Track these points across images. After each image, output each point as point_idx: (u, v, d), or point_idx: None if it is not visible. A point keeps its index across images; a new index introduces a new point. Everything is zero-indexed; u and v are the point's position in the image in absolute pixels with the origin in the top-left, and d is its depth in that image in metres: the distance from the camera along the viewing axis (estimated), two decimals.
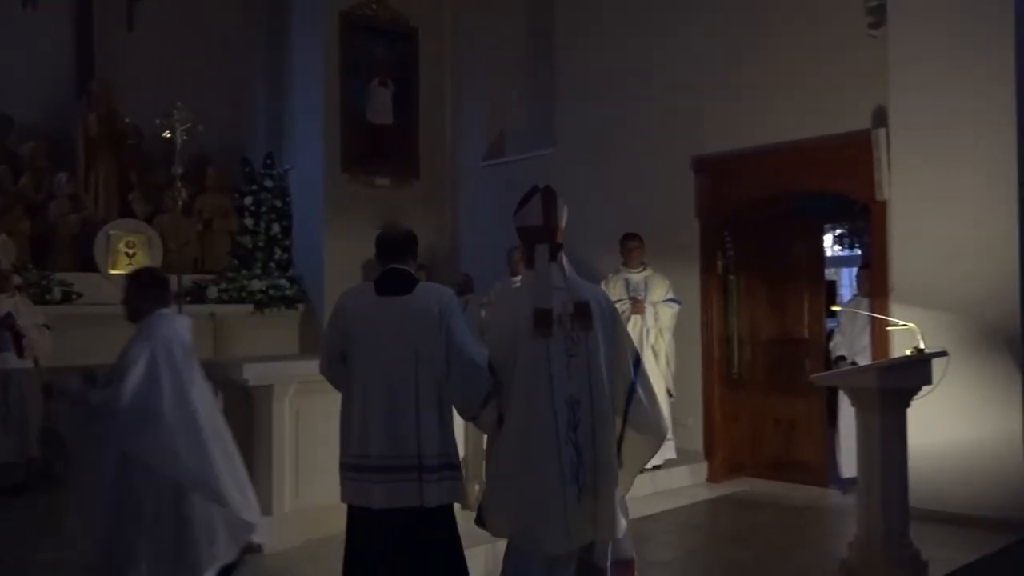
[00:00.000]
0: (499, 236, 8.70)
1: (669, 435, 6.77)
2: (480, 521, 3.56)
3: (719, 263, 7.54)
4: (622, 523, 3.48)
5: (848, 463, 6.32)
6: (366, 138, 9.56)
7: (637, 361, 3.60)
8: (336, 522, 5.05)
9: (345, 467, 3.53)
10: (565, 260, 3.60)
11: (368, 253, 9.36)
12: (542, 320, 3.42)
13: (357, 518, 3.54)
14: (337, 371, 3.63)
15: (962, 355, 5.38)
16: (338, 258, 9.26)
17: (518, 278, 7.62)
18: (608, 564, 3.50)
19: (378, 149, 9.64)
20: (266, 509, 5.11)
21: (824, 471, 7.07)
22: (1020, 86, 5.63)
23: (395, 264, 3.65)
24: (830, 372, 5.61)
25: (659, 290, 6.99)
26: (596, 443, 3.42)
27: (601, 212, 8.08)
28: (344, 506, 3.61)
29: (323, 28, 9.35)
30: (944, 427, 5.66)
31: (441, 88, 10.15)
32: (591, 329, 3.47)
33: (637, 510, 6.14)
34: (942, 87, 5.88)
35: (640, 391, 3.55)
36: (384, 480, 3.41)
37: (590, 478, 3.40)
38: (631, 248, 7.04)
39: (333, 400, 5.17)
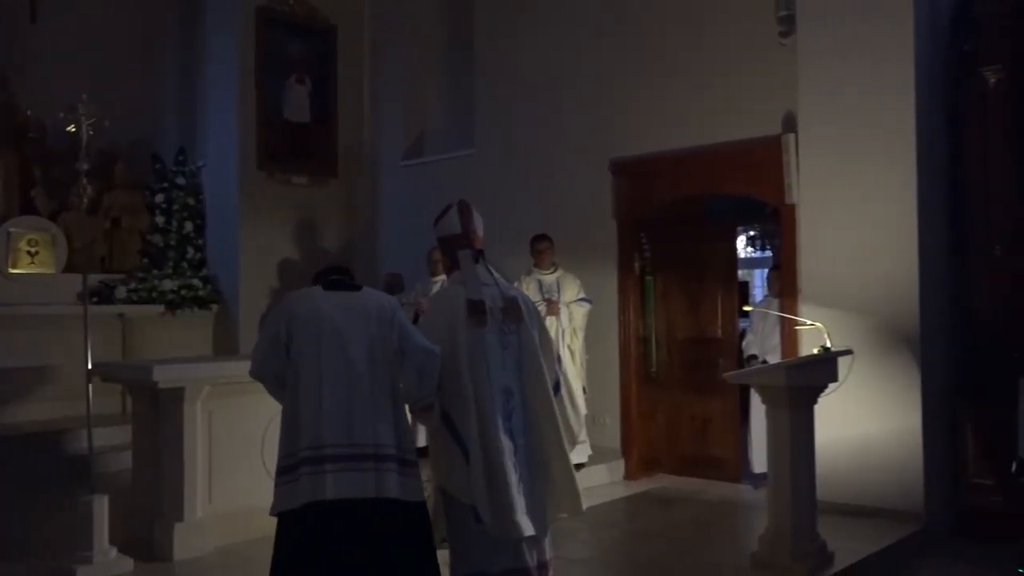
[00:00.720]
0: (419, 236, 8.66)
1: (583, 437, 6.90)
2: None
3: (636, 264, 7.66)
4: (560, 510, 3.55)
5: (759, 459, 6.50)
6: (283, 136, 9.38)
7: (558, 357, 3.63)
8: (252, 527, 4.99)
9: (289, 468, 3.24)
10: (488, 265, 3.72)
11: (285, 252, 9.34)
12: (476, 309, 3.51)
13: (298, 521, 3.19)
14: (279, 370, 3.41)
15: (866, 353, 5.60)
16: (254, 258, 9.06)
17: (438, 279, 7.61)
18: (534, 564, 3.46)
19: (295, 147, 9.47)
20: (177, 515, 5.00)
21: (737, 467, 7.26)
22: (919, 96, 5.87)
23: (336, 273, 3.67)
24: (742, 371, 5.75)
25: (571, 290, 7.08)
26: (531, 432, 3.51)
27: (520, 213, 8.12)
28: (261, 510, 3.42)
29: (238, 23, 9.13)
30: (850, 423, 5.86)
31: (360, 86, 10.04)
32: (522, 321, 3.57)
33: None
34: (848, 95, 6.08)
35: (561, 390, 3.71)
36: (339, 469, 3.21)
37: (524, 469, 3.45)
38: (542, 249, 7.11)
39: (248, 403, 5.09)
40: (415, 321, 7.35)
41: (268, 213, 9.14)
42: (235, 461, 5.24)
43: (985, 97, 5.93)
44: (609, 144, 7.70)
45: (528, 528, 3.38)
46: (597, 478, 7.12)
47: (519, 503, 3.38)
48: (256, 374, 3.46)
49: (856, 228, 6.04)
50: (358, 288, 3.58)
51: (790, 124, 6.53)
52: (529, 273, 7.13)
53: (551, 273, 7.09)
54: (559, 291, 7.00)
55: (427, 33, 9.81)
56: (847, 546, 5.09)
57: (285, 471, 3.25)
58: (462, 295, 3.56)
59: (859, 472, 5.88)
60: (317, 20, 9.68)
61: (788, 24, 6.52)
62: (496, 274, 3.70)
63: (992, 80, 5.89)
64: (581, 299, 7.08)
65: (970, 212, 6.06)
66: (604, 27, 7.81)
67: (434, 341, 3.49)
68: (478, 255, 3.68)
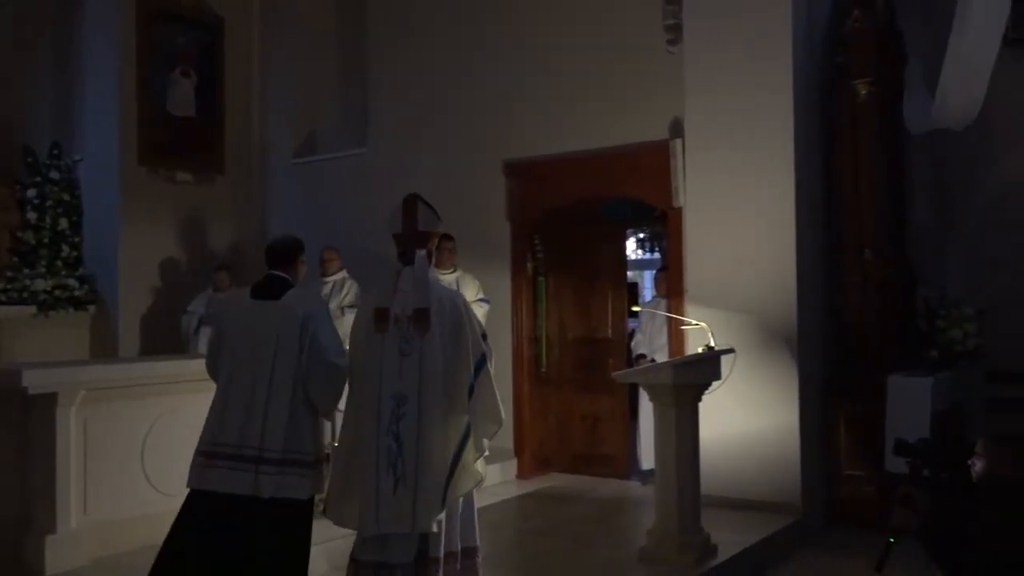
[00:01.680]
0: (310, 236, 8.50)
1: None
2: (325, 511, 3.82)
3: (529, 265, 7.73)
4: (441, 516, 3.69)
5: (648, 456, 6.66)
6: (166, 130, 9.04)
7: (482, 360, 3.86)
8: (130, 537, 4.79)
9: (196, 453, 3.73)
10: (422, 265, 3.89)
11: (168, 251, 9.01)
12: (379, 317, 3.78)
13: (196, 504, 3.66)
14: (215, 368, 3.89)
15: (747, 352, 5.80)
16: (134, 256, 8.71)
17: (329, 279, 7.48)
18: (441, 554, 3.74)
19: (180, 142, 9.14)
20: (48, 527, 4.75)
21: (626, 464, 7.41)
22: (797, 106, 6.13)
23: (276, 271, 3.97)
24: (630, 370, 5.88)
25: (470, 291, 7.08)
26: (420, 439, 3.66)
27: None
28: (142, 520, 3.76)
29: (119, 12, 8.76)
30: (732, 419, 6.05)
31: (248, 82, 9.77)
32: (427, 332, 3.74)
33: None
34: (731, 103, 6.29)
35: (478, 388, 3.82)
36: (224, 466, 3.62)
37: (409, 470, 3.63)
38: (444, 249, 7.09)
39: (128, 408, 4.89)
40: None
41: (151, 210, 8.81)
42: (113, 469, 5.01)
43: (856, 108, 6.24)
44: (502, 146, 7.74)
45: (390, 526, 3.60)
46: (490, 478, 7.09)
47: (384, 502, 3.60)
48: (207, 370, 3.95)
49: (739, 231, 6.25)
50: (279, 296, 3.84)
51: (677, 130, 6.71)
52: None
53: (451, 273, 7.08)
54: (459, 291, 7.00)
55: (319, 29, 9.64)
56: (730, 538, 5.26)
57: (195, 454, 3.73)
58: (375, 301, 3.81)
59: (741, 467, 6.08)
60: (203, 12, 9.38)
61: (675, 32, 6.70)
62: (420, 278, 3.85)
63: (863, 92, 6.21)
64: (480, 300, 7.09)
65: (843, 217, 6.36)
66: (497, 29, 7.86)
67: (356, 340, 3.82)
68: (411, 256, 3.88)
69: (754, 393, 6.03)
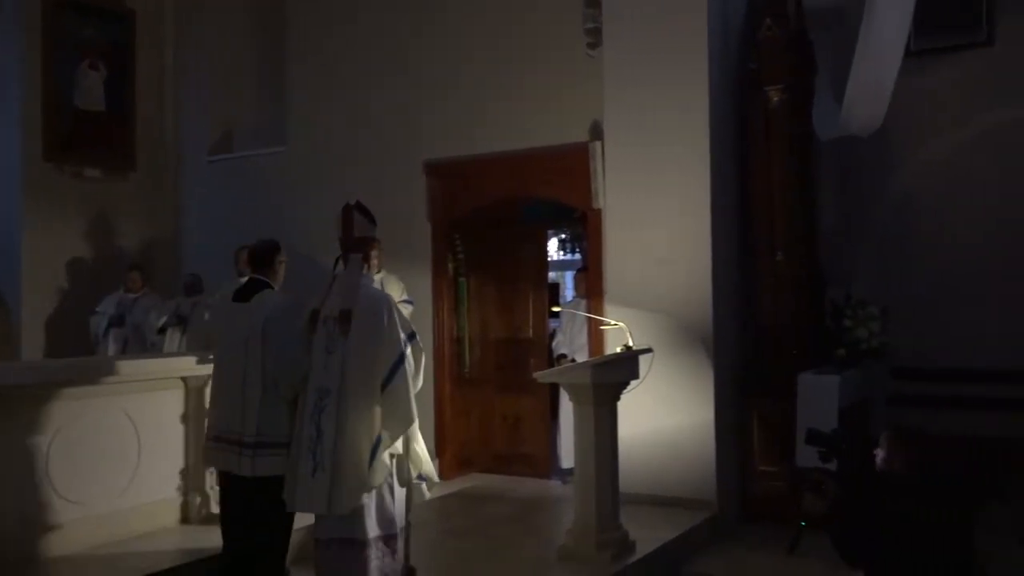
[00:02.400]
0: (226, 235, 8.33)
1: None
2: None
3: (450, 265, 7.72)
4: (359, 500, 3.99)
5: (568, 455, 6.73)
6: (74, 125, 8.72)
7: (399, 360, 4.12)
8: (31, 547, 4.59)
9: (205, 437, 4.49)
10: (352, 269, 4.25)
11: (76, 250, 8.68)
12: (310, 318, 4.20)
13: (222, 479, 4.42)
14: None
15: (665, 352, 5.91)
16: (39, 256, 8.36)
17: (246, 279, 7.33)
18: (368, 537, 4.05)
19: (88, 137, 8.82)
20: None
21: (547, 464, 7.47)
22: (713, 110, 6.27)
23: (257, 274, 4.49)
24: (551, 370, 5.93)
25: (394, 291, 7.03)
26: (339, 429, 4.00)
27: (334, 212, 7.95)
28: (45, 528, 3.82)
29: (21, 1, 8.40)
30: (649, 418, 6.15)
31: (161, 76, 9.49)
32: (348, 333, 4.09)
33: None
34: (649, 107, 6.39)
35: (390, 387, 4.06)
36: (219, 448, 4.30)
37: (327, 458, 3.99)
38: (370, 249, 7.02)
39: (29, 413, 4.73)
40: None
41: (56, 207, 8.49)
42: (13, 476, 4.80)
43: (769, 114, 6.42)
44: (423, 146, 7.71)
45: (303, 506, 4.05)
46: None
47: (303, 484, 4.02)
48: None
49: (656, 233, 6.35)
50: (248, 299, 4.36)
51: (597, 132, 6.79)
52: None
53: (376, 274, 7.02)
54: (387, 294, 6.95)
55: (235, 23, 9.45)
56: (647, 535, 5.35)
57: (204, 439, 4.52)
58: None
59: (658, 464, 6.18)
60: (113, 3, 9.07)
61: (595, 36, 6.78)
62: (350, 281, 4.22)
63: (775, 98, 6.38)
64: (404, 300, 7.06)
65: (757, 220, 6.53)
66: (419, 29, 7.82)
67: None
68: (345, 259, 4.28)
69: (671, 392, 6.14)
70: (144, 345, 7.74)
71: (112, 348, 7.76)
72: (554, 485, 7.22)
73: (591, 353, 6.79)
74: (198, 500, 5.43)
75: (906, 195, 7.81)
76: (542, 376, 5.44)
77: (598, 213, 6.80)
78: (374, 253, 5.06)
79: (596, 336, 6.73)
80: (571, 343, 7.22)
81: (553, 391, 7.36)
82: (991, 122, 7.51)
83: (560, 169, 7.01)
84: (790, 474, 6.06)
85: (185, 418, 5.47)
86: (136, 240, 9.23)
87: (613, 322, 5.63)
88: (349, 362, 4.06)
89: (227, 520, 4.35)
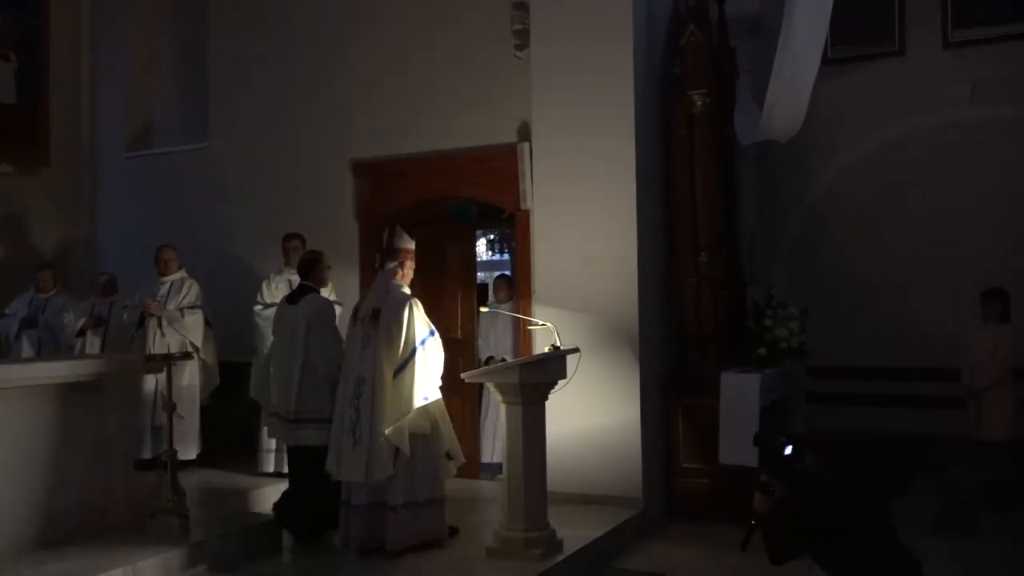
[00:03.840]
0: (144, 234, 8.11)
1: None
2: None
3: (377, 265, 7.64)
4: (390, 471, 4.91)
5: (488, 448, 6.77)
6: None
7: (412, 354, 4.96)
8: None
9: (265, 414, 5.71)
10: (384, 274, 5.25)
11: None
12: (353, 316, 5.23)
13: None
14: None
15: (592, 351, 5.94)
16: None
17: (168, 278, 7.16)
18: (399, 503, 4.96)
19: None
20: None
21: (476, 464, 7.44)
22: (638, 113, 6.36)
23: (304, 281, 5.72)
24: (479, 369, 5.93)
25: (323, 291, 6.97)
26: (373, 411, 4.92)
27: (262, 211, 7.88)
28: None
29: None
30: (577, 417, 6.19)
31: (76, 67, 9.17)
32: (378, 327, 5.00)
33: None
34: (576, 109, 6.45)
35: (399, 378, 4.93)
36: (275, 422, 5.51)
37: (364, 435, 4.94)
38: (295, 248, 6.94)
39: None
40: (141, 323, 6.92)
41: None
42: None
43: (693, 118, 6.53)
44: (351, 145, 7.64)
45: (347, 475, 5.02)
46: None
47: (344, 456, 5.01)
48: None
49: (583, 234, 6.42)
50: (297, 301, 5.54)
51: (525, 133, 6.83)
52: (280, 272, 6.93)
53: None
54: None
55: (155, 12, 9.21)
56: (575, 533, 5.40)
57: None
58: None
59: (586, 462, 6.25)
60: None
61: (523, 37, 6.82)
62: (382, 285, 5.21)
63: (699, 103, 6.51)
64: (332, 301, 6.99)
65: (680, 221, 6.65)
66: (347, 27, 7.74)
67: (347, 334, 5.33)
68: (381, 266, 5.44)
69: (598, 391, 6.20)
70: (57, 347, 7.45)
71: (26, 351, 7.45)
72: (482, 485, 7.21)
73: (518, 353, 6.82)
74: (117, 506, 5.27)
75: (822, 198, 8.09)
76: (470, 376, 5.43)
77: (526, 214, 6.83)
78: (408, 263, 5.35)
79: (523, 336, 6.77)
80: (496, 344, 7.24)
81: (480, 391, 7.38)
82: (903, 128, 7.84)
83: (488, 170, 7.02)
84: (713, 472, 6.20)
85: (104, 421, 5.28)
86: (49, 239, 8.90)
87: (541, 322, 5.67)
88: (379, 354, 4.95)
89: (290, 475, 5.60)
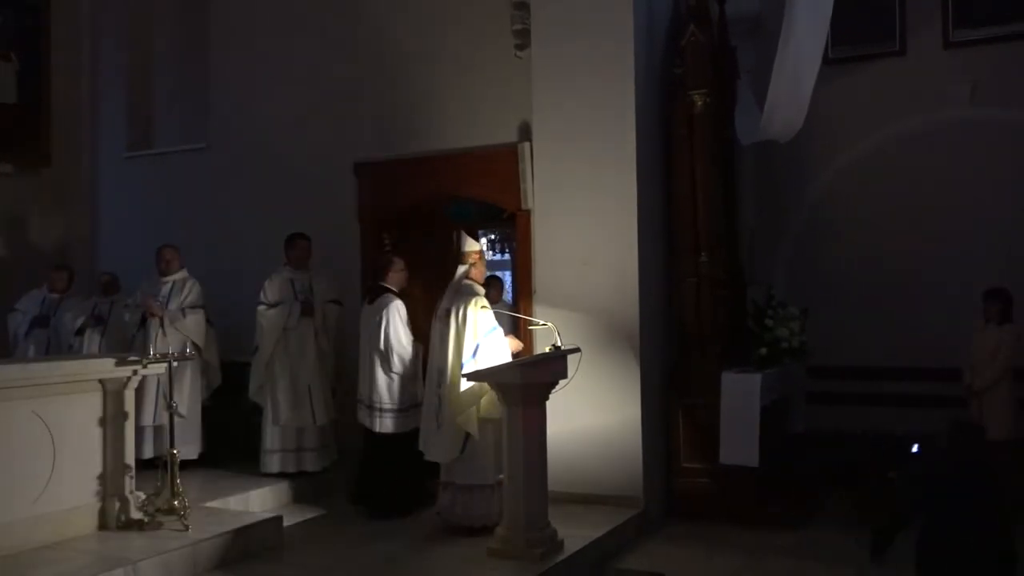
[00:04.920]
0: (144, 233, 8.11)
1: (329, 440, 6.88)
2: None
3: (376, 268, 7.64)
4: (454, 453, 5.48)
5: None
6: None
7: (476, 348, 5.42)
8: None
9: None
10: (458, 276, 5.69)
11: None
12: (435, 314, 5.71)
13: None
14: None
15: (593, 351, 5.96)
16: None
17: (169, 278, 7.16)
18: (464, 483, 5.50)
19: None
20: None
21: None
22: (639, 113, 6.36)
23: (380, 281, 6.31)
24: (480, 370, 5.92)
25: (325, 291, 6.99)
26: (450, 400, 5.45)
27: (260, 210, 7.88)
28: None
29: None
30: (577, 417, 6.19)
31: (77, 67, 9.17)
32: (450, 326, 5.50)
33: (299, 516, 6.07)
34: (577, 109, 6.44)
35: (463, 369, 5.35)
36: (362, 409, 6.15)
37: (445, 420, 5.49)
38: (300, 248, 6.95)
39: None
40: (142, 323, 6.92)
41: None
42: None
43: (693, 118, 6.52)
44: (353, 146, 7.64)
45: (432, 456, 5.64)
46: (341, 480, 7.04)
47: (430, 439, 5.62)
48: None
49: (584, 234, 6.42)
50: (373, 301, 6.21)
51: (526, 133, 6.83)
52: (280, 271, 6.94)
53: (303, 273, 6.95)
54: (312, 291, 6.89)
55: (155, 13, 9.20)
56: (576, 532, 5.41)
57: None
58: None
59: (586, 462, 6.25)
60: None
61: (523, 38, 6.82)
62: (456, 286, 5.66)
63: (699, 103, 6.51)
64: (332, 301, 7.00)
65: (680, 222, 6.65)
66: (348, 29, 7.74)
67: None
68: (457, 268, 5.71)
69: (599, 391, 6.20)
70: (63, 347, 7.44)
71: (32, 351, 7.43)
72: None
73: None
74: (116, 506, 5.27)
75: (823, 198, 8.08)
76: (472, 375, 5.44)
77: (527, 214, 6.83)
78: (479, 263, 5.74)
79: (524, 336, 6.76)
80: None
81: None
82: (903, 128, 7.83)
83: (489, 170, 7.02)
84: (713, 472, 6.20)
85: (103, 422, 5.29)
86: (49, 238, 8.91)
87: (542, 322, 5.67)
88: (451, 348, 5.47)
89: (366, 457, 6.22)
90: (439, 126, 7.24)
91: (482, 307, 5.56)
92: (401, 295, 6.28)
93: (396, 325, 6.03)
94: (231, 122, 8.33)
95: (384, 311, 6.04)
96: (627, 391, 6.26)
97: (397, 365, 6.03)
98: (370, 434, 6.14)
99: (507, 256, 14.63)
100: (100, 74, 9.25)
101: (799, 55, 5.95)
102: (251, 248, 7.83)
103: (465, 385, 5.38)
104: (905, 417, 7.29)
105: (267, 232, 7.46)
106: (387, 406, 6.04)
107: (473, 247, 5.78)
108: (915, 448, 3.50)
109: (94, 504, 5.22)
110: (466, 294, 5.58)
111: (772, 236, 8.01)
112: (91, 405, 5.23)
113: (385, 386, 6.05)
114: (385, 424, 6.05)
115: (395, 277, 6.28)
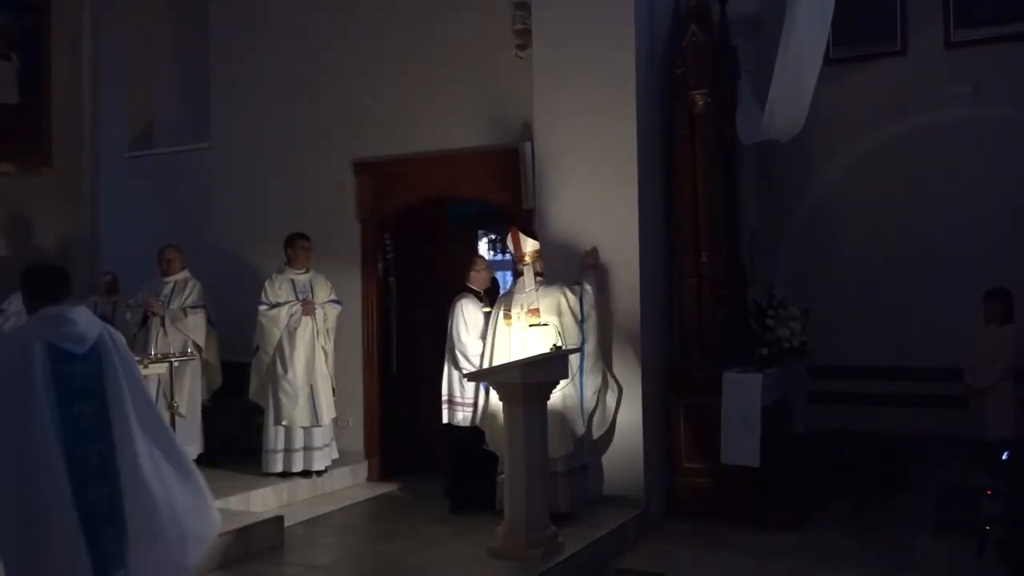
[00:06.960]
0: (146, 233, 8.12)
1: (330, 440, 6.88)
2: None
3: (380, 265, 7.66)
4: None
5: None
6: None
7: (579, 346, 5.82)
8: None
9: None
10: (532, 273, 5.96)
11: None
12: (504, 315, 6.00)
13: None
14: None
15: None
16: None
17: (171, 278, 7.16)
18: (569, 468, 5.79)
19: (0, 131, 8.47)
20: None
21: None
22: (640, 113, 6.35)
23: (465, 281, 6.53)
24: (481, 370, 5.94)
25: (323, 291, 7.00)
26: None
27: (262, 211, 7.88)
28: None
29: None
30: None
31: (78, 67, 9.17)
32: (538, 323, 5.86)
33: (299, 515, 6.08)
34: (578, 109, 6.44)
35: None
36: (444, 405, 6.32)
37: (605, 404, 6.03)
38: (301, 248, 6.96)
39: None
40: (144, 323, 6.91)
41: None
42: None
43: (694, 118, 6.53)
44: (353, 145, 7.64)
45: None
46: (340, 482, 7.07)
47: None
48: None
49: (585, 234, 6.41)
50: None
51: (527, 133, 6.83)
52: (281, 272, 6.94)
53: (303, 273, 6.96)
54: (312, 292, 6.90)
55: (156, 12, 9.20)
56: (576, 532, 5.42)
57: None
58: (508, 301, 6.10)
59: None
60: None
61: (524, 38, 6.82)
62: (539, 282, 6.01)
63: (700, 103, 6.51)
64: (332, 300, 7.01)
65: (681, 221, 6.65)
66: (348, 26, 7.74)
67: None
68: (521, 267, 6.05)
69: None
70: None
71: None
72: None
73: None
74: None
75: (823, 198, 8.09)
76: (473, 376, 5.45)
77: (528, 213, 6.83)
78: (539, 260, 6.08)
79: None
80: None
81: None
82: (904, 128, 7.83)
83: (490, 169, 7.02)
84: (713, 471, 6.21)
85: None
86: (51, 238, 8.91)
87: (542, 322, 5.67)
88: (544, 341, 5.75)
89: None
90: (440, 125, 7.24)
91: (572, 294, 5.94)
92: (481, 294, 6.51)
93: (458, 323, 6.19)
94: (231, 122, 8.33)
95: (451, 310, 6.27)
96: (629, 390, 6.26)
97: (462, 361, 6.15)
98: (449, 428, 6.29)
99: (508, 256, 14.66)
100: (101, 74, 9.25)
101: (800, 55, 5.95)
102: (251, 248, 7.84)
103: (595, 368, 5.87)
104: (905, 417, 7.30)
105: (267, 232, 7.47)
106: (457, 399, 6.21)
107: (534, 247, 6.07)
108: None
109: None
110: (556, 286, 5.95)
111: (773, 236, 8.01)
112: None
113: (457, 380, 6.17)
114: (454, 416, 6.21)
115: (474, 276, 6.47)
